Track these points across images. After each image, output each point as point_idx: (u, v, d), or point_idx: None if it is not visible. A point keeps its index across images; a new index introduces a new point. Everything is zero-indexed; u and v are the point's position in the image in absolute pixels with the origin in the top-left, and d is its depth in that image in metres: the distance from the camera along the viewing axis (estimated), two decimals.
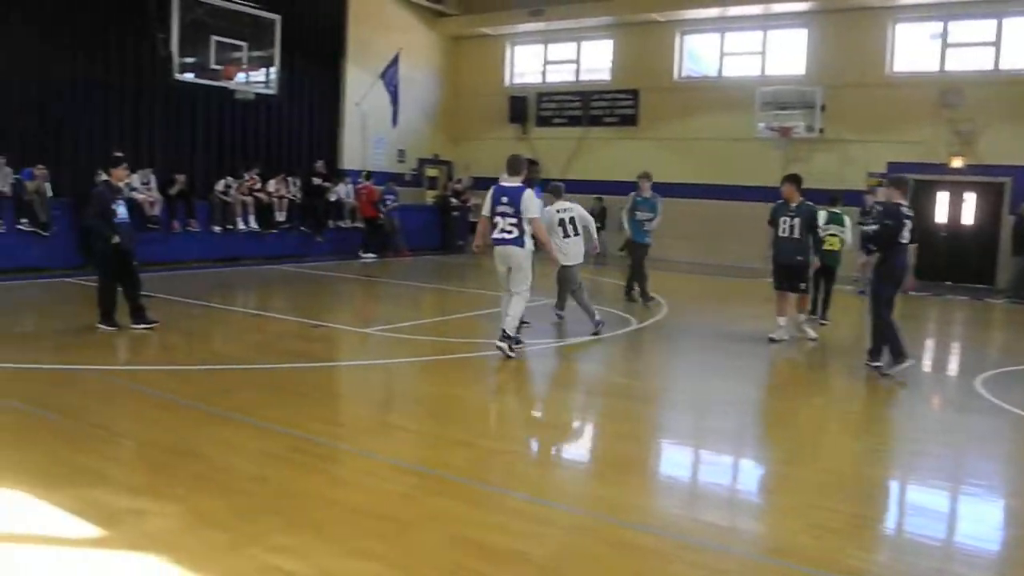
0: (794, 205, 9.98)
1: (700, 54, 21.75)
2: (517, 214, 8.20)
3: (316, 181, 18.79)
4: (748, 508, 4.97)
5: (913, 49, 19.02)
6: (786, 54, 20.27)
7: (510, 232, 8.22)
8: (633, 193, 13.22)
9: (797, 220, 9.87)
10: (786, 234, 9.92)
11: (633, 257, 13.07)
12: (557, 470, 5.62)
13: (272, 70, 17.18)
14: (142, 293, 9.32)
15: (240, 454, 5.27)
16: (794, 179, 10.15)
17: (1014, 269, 16.16)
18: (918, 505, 5.26)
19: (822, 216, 10.79)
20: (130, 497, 4.47)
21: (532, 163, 10.07)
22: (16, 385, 6.90)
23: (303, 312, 11.21)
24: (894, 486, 5.58)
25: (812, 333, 10.20)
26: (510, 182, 8.35)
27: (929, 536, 4.66)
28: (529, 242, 8.29)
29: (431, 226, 21.81)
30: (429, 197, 23.58)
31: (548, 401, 7.56)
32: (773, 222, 10.10)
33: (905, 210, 8.08)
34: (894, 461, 5.99)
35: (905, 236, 8.04)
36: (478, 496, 4.80)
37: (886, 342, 8.15)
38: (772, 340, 9.91)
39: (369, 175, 19.73)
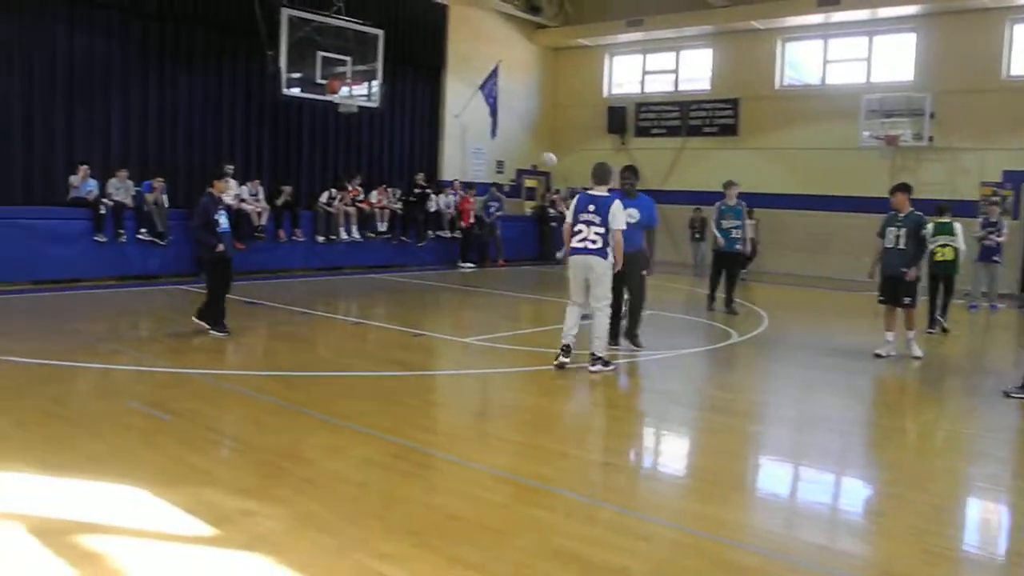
0: (902, 215, 9.69)
1: (802, 62, 21.29)
2: (604, 224, 8.11)
3: (416, 192, 19.11)
4: (856, 530, 4.81)
5: None
6: (893, 60, 19.67)
7: (594, 242, 8.12)
8: (719, 203, 13.08)
9: (904, 230, 9.58)
10: (892, 245, 9.65)
11: (726, 266, 12.96)
12: (656, 484, 5.57)
13: (375, 83, 17.58)
14: (248, 301, 9.68)
15: (343, 459, 5.40)
16: (905, 188, 9.85)
17: None
18: None
19: (929, 227, 10.45)
20: (240, 498, 4.64)
21: (631, 170, 9.87)
22: (135, 386, 7.26)
23: (403, 321, 11.44)
24: (1012, 514, 5.32)
25: (918, 351, 9.79)
26: (597, 191, 8.28)
27: None
28: (611, 254, 8.22)
29: (529, 236, 21.94)
30: (527, 208, 23.74)
31: (646, 414, 7.51)
32: (882, 233, 9.83)
33: None
34: (1012, 488, 5.71)
35: None
36: (575, 508, 4.81)
37: None
38: (878, 355, 9.62)
39: (467, 186, 20.01)
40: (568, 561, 4.01)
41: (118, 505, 4.52)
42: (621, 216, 8.18)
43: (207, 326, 9.44)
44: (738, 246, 12.91)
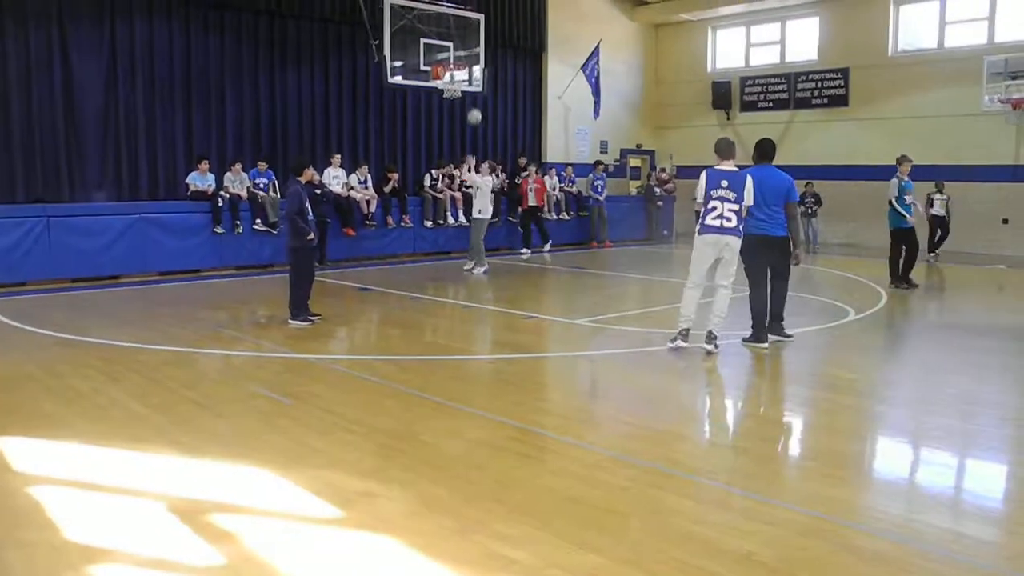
0: None
1: (917, 26, 20.28)
2: (739, 200, 7.90)
3: (523, 175, 19.10)
4: (994, 518, 4.55)
5: None
6: (1019, 16, 18.50)
7: (730, 220, 7.90)
8: (895, 178, 12.57)
9: None
10: None
11: (907, 242, 12.61)
12: (780, 467, 5.40)
13: (477, 68, 17.64)
14: (362, 287, 9.80)
15: (460, 442, 5.44)
16: None
17: None
18: None
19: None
20: (361, 480, 4.72)
21: (770, 143, 8.95)
22: (257, 372, 7.49)
23: (513, 303, 11.46)
24: None
25: None
26: (726, 166, 8.06)
27: None
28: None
29: (635, 216, 21.69)
30: (633, 187, 23.50)
31: (764, 394, 7.31)
32: None
33: None
34: None
35: None
36: (698, 491, 4.71)
37: None
38: None
39: (539, 165, 19.55)
40: (693, 545, 3.93)
41: (247, 485, 4.66)
42: (752, 193, 7.98)
43: (293, 319, 9.40)
44: (913, 222, 12.62)
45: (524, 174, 18.41)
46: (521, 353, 8.39)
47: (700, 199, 8.09)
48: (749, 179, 7.96)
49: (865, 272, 14.39)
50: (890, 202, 12.51)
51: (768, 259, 8.49)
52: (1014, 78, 17.71)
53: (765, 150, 8.65)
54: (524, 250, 17.77)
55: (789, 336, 8.78)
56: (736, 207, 7.90)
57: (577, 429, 5.89)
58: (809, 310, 10.75)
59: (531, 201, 18.02)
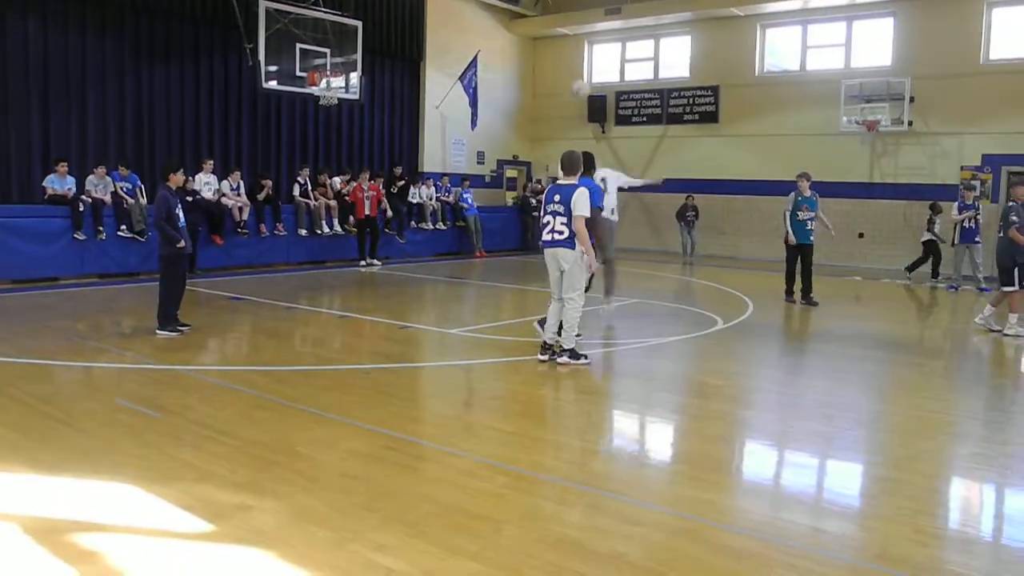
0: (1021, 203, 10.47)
1: (782, 48, 21.37)
2: (568, 213, 7.92)
3: (399, 184, 19.04)
4: (850, 513, 4.84)
5: (1012, 35, 18.27)
6: (872, 45, 19.79)
7: (561, 232, 7.96)
8: (794, 192, 12.97)
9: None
10: (1000, 233, 10.51)
11: (802, 258, 12.92)
12: (650, 471, 5.59)
13: (354, 75, 17.51)
14: (233, 297, 9.56)
15: (335, 452, 5.39)
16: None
17: None
18: (1022, 513, 5.08)
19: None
20: (235, 493, 4.62)
21: (587, 156, 9.40)
22: (122, 384, 7.21)
23: (388, 313, 11.41)
24: (996, 492, 5.39)
25: (996, 325, 10.55)
26: (564, 180, 8.11)
27: None
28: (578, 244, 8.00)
29: (511, 227, 21.94)
30: (508, 198, 23.75)
31: (634, 401, 7.52)
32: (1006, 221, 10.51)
33: None
34: (995, 466, 5.77)
35: None
36: (571, 495, 4.82)
37: None
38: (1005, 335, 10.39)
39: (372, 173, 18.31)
40: (565, 548, 4.03)
41: (112, 503, 4.49)
42: (583, 203, 7.87)
43: (162, 329, 9.12)
44: (812, 238, 12.89)
45: (355, 182, 17.37)
46: (397, 363, 8.37)
47: (540, 214, 8.36)
48: (580, 190, 7.91)
49: (735, 283, 14.99)
50: (785, 215, 12.91)
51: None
52: (868, 102, 18.87)
53: (561, 163, 8.86)
54: (362, 261, 17.06)
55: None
56: (566, 219, 7.91)
57: (453, 437, 5.93)
58: (679, 319, 11.13)
59: (366, 210, 17.15)
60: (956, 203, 15.25)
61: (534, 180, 23.61)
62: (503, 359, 8.61)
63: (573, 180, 8.10)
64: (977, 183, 17.63)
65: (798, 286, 12.88)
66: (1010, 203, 10.71)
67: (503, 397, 7.33)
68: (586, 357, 8.23)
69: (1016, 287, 10.37)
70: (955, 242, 15.25)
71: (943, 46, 18.45)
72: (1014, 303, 10.46)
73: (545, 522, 4.37)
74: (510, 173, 24.37)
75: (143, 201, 14.48)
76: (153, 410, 6.27)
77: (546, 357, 8.21)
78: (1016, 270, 10.36)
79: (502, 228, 21.51)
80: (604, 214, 9.94)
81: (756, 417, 7.01)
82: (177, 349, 8.56)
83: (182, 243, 9.09)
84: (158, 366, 7.76)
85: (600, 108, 23.35)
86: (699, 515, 4.54)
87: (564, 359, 8.15)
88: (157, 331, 9.09)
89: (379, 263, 17.18)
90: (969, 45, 18.34)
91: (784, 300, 12.98)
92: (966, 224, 14.90)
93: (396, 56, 20.48)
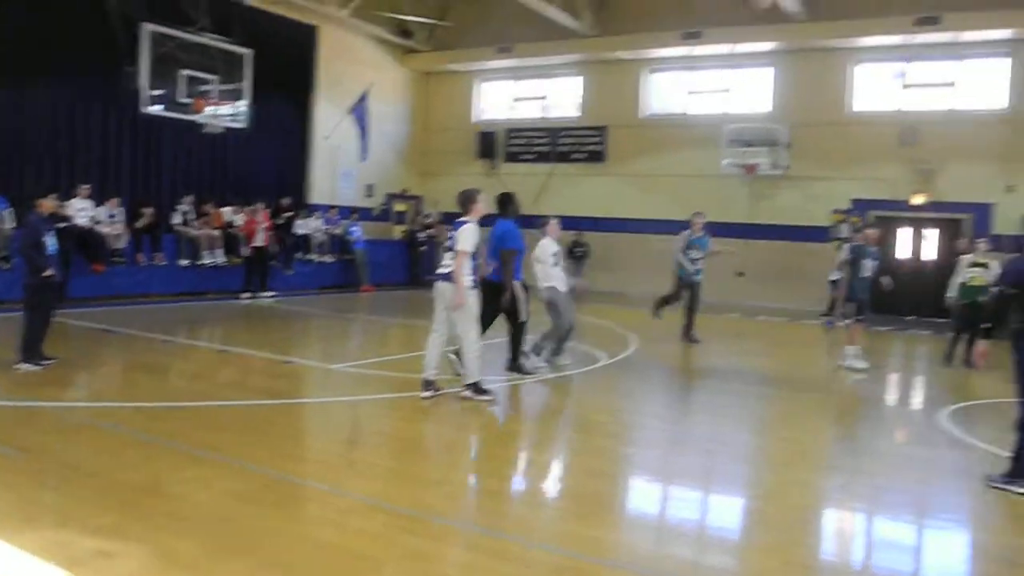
0: (872, 248, 11.35)
1: (667, 92, 22.08)
2: (452, 247, 7.92)
3: (284, 215, 18.69)
4: (727, 548, 4.95)
5: (875, 89, 19.49)
6: (752, 92, 20.66)
7: (448, 267, 7.95)
8: (687, 232, 13.11)
9: (876, 262, 11.31)
10: (868, 273, 11.20)
11: (691, 296, 13.06)
12: (533, 508, 5.58)
13: (241, 104, 17.16)
14: (104, 329, 9.15)
15: (209, 493, 5.19)
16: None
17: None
18: (888, 540, 5.30)
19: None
20: (96, 538, 4.38)
21: (508, 196, 9.67)
22: None
23: (270, 347, 11.10)
24: (864, 522, 5.62)
25: (860, 364, 11.03)
26: (464, 217, 8.08)
27: (900, 571, 4.71)
28: (470, 278, 7.93)
29: (398, 261, 21.79)
30: (397, 232, 23.60)
31: (519, 437, 7.54)
32: (853, 261, 11.24)
33: None
34: (862, 497, 6.02)
35: None
36: (453, 534, 4.77)
37: None
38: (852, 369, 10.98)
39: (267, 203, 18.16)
40: None
41: None
42: (464, 238, 7.83)
43: (24, 361, 8.60)
44: (700, 276, 13.04)
45: (250, 211, 17.01)
46: (277, 399, 8.15)
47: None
48: (465, 226, 7.92)
49: (622, 320, 15.24)
50: (676, 254, 13.05)
51: (495, 304, 8.97)
52: (749, 146, 19.63)
53: (499, 203, 9.43)
54: (246, 294, 16.46)
55: (529, 373, 9.44)
56: (453, 255, 7.94)
57: (333, 476, 5.80)
58: (565, 355, 11.22)
59: (258, 241, 16.63)
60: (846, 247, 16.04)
61: (423, 214, 23.56)
62: (388, 395, 8.50)
63: (467, 217, 8.06)
64: (846, 225, 18.53)
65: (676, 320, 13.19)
66: (856, 244, 11.65)
67: (387, 434, 7.23)
68: (489, 393, 8.12)
69: (854, 320, 11.14)
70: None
71: (815, 96, 19.44)
72: (855, 335, 11.12)
73: (426, 562, 4.30)
74: (399, 207, 24.24)
75: (10, 226, 13.74)
76: (12, 450, 5.91)
77: (429, 394, 8.07)
78: (856, 305, 11.09)
79: (390, 262, 21.33)
80: (551, 283, 9.96)
81: (639, 453, 7.12)
82: (41, 384, 8.11)
83: (49, 271, 8.66)
84: (19, 403, 7.33)
85: (490, 144, 23.57)
86: (582, 552, 4.56)
87: (467, 393, 8.06)
88: (18, 364, 8.59)
89: (269, 295, 16.78)
90: (837, 96, 19.40)
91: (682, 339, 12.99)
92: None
93: (286, 85, 20.14)
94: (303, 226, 19.20)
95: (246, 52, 17.01)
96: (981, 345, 6.43)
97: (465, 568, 4.24)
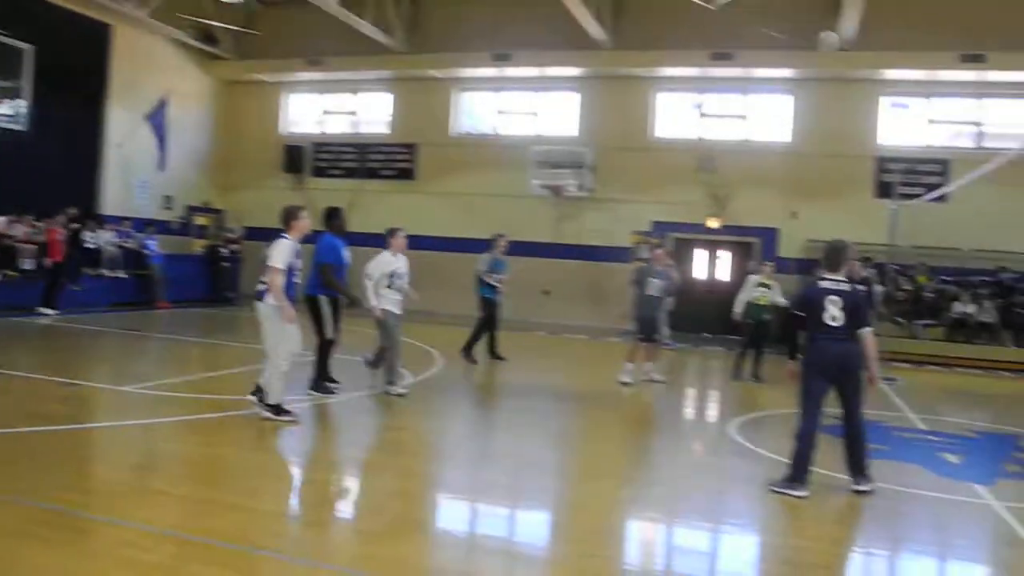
0: (659, 268, 11.63)
1: (477, 112, 22.36)
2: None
3: (72, 227, 17.38)
4: (524, 560, 4.99)
5: (675, 117, 20.57)
6: (560, 116, 21.28)
7: (262, 284, 7.72)
8: (490, 254, 13.04)
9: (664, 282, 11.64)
10: (655, 292, 11.43)
11: (491, 315, 12.99)
12: (333, 530, 5.39)
13: (21, 103, 15.84)
14: None
15: None
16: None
17: None
18: (680, 546, 5.50)
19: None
20: None
21: (333, 211, 9.68)
22: None
23: (52, 369, 10.21)
24: (657, 529, 5.81)
25: (660, 377, 11.53)
26: (286, 234, 7.87)
27: (693, 574, 4.89)
28: (271, 297, 7.63)
29: (199, 277, 20.76)
30: (198, 246, 22.48)
31: (323, 459, 7.29)
32: (640, 281, 11.45)
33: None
34: (656, 505, 6.23)
35: None
36: (249, 562, 4.51)
37: None
38: (625, 384, 11.26)
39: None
40: None
41: None
42: (275, 253, 7.63)
43: None
44: (500, 297, 13.00)
45: (50, 222, 16.10)
46: (56, 425, 7.47)
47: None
48: (277, 243, 7.72)
49: (429, 339, 15.15)
50: (478, 275, 12.97)
51: (311, 316, 9.11)
52: (556, 167, 20.14)
53: (324, 217, 9.49)
54: (47, 310, 15.48)
55: (332, 392, 9.30)
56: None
57: (118, 506, 5.36)
58: (371, 374, 11.03)
59: (57, 254, 15.69)
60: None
61: (226, 229, 22.60)
62: (183, 418, 8.01)
63: (288, 234, 7.81)
64: (646, 247, 19.38)
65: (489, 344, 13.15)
66: (641, 265, 12.06)
67: (182, 459, 6.79)
68: (290, 414, 7.82)
69: (635, 339, 11.56)
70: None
71: (619, 121, 20.29)
72: (634, 353, 11.55)
73: None
74: (200, 220, 23.12)
75: None
76: None
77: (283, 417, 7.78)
78: (639, 323, 11.46)
79: (189, 278, 20.27)
80: (377, 303, 9.44)
81: (441, 471, 7.08)
82: None
83: None
84: None
85: (297, 158, 22.96)
86: (380, 572, 4.43)
87: (267, 414, 7.75)
88: None
89: (50, 312, 15.49)
90: (640, 122, 20.35)
91: (460, 354, 12.78)
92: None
93: (74, 87, 18.77)
94: (93, 239, 17.91)
95: (26, 47, 15.73)
96: (790, 364, 6.76)
97: None
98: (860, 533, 5.94)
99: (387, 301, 9.45)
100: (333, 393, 9.29)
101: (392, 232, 9.75)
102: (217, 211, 23.43)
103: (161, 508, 5.38)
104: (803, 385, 6.48)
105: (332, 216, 9.60)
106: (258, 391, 7.89)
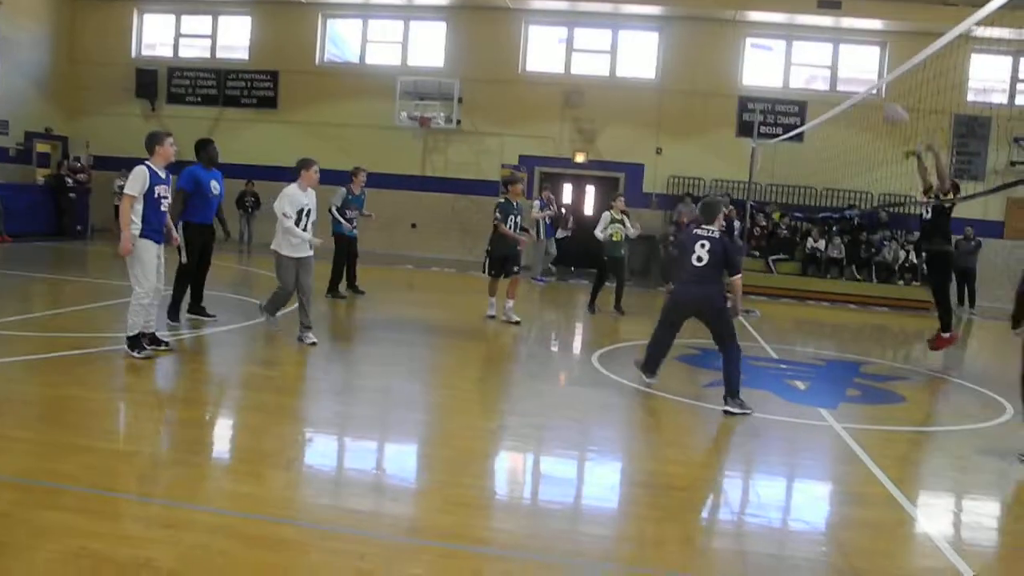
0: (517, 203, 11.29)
1: (343, 38, 21.66)
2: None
3: None
4: (390, 492, 4.97)
5: (543, 51, 20.50)
6: (427, 46, 20.84)
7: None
8: (344, 189, 12.60)
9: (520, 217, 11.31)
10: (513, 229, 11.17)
11: (349, 251, 12.66)
12: (191, 470, 5.18)
13: None
14: None
15: None
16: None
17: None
18: (544, 474, 5.61)
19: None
20: None
21: (201, 142, 9.63)
22: None
23: None
24: (521, 459, 5.91)
25: (516, 317, 11.27)
26: (149, 161, 7.62)
27: (555, 501, 4.99)
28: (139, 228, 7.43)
29: (43, 209, 19.49)
30: (40, 176, 21.07)
31: (179, 397, 7.03)
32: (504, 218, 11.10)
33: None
34: (521, 435, 6.33)
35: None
36: (99, 505, 4.30)
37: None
38: (491, 317, 11.35)
39: None
40: (84, 562, 3.61)
41: None
42: (129, 180, 7.44)
43: None
44: (355, 232, 12.66)
45: None
46: None
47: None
48: (135, 170, 7.48)
49: None
50: (330, 210, 12.42)
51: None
52: (422, 99, 19.82)
53: (195, 147, 9.57)
54: None
55: (211, 316, 9.55)
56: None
57: None
58: (232, 308, 10.69)
59: None
60: (538, 202, 17.12)
61: (72, 157, 21.24)
62: (27, 357, 7.54)
63: (150, 161, 7.59)
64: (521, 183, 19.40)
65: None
66: (501, 201, 11.35)
67: (22, 400, 6.38)
68: (141, 351, 7.52)
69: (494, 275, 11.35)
70: (539, 237, 16.68)
71: (489, 54, 20.08)
72: (492, 287, 11.46)
73: (63, 538, 3.84)
74: (42, 148, 21.63)
75: None
76: None
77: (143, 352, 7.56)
78: (490, 259, 11.33)
79: (31, 210, 19.02)
80: (275, 245, 8.93)
81: (306, 406, 6.95)
82: None
83: None
84: None
85: (151, 83, 21.72)
86: (238, 510, 4.34)
87: (125, 348, 7.52)
88: None
89: None
90: (510, 56, 20.18)
91: (326, 296, 12.44)
92: (546, 220, 16.86)
93: None
94: None
95: None
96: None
97: (105, 538, 3.84)
98: (716, 456, 6.21)
99: (287, 246, 8.82)
100: (179, 322, 9.22)
101: (306, 163, 9.03)
102: (62, 138, 21.95)
103: (2, 453, 5.05)
104: (664, 311, 7.71)
105: (202, 147, 9.52)
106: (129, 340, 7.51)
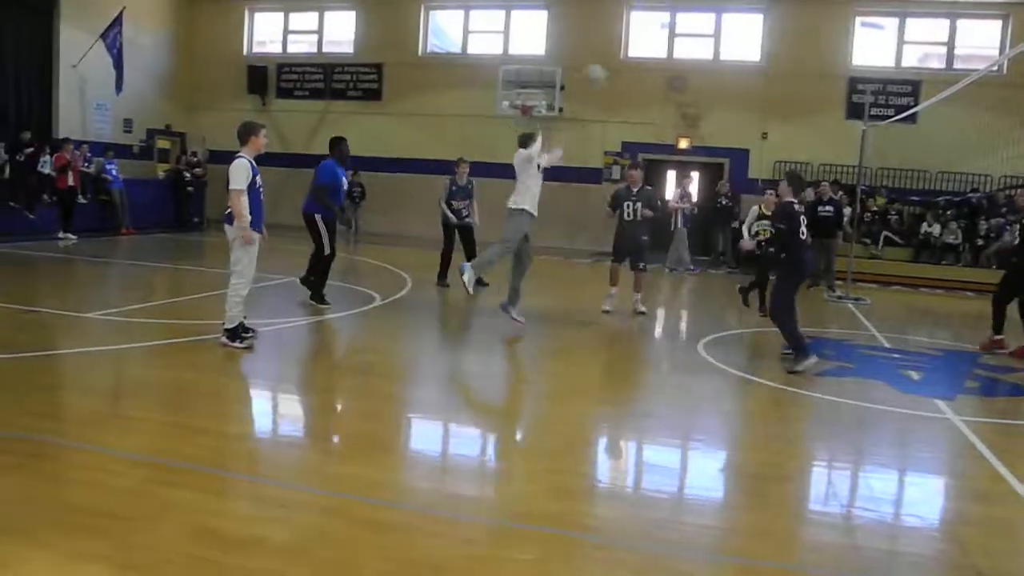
0: (636, 190, 10.82)
1: (445, 30, 21.89)
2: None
3: (26, 151, 16.89)
4: (492, 477, 5.03)
5: (645, 36, 20.25)
6: (528, 34, 20.86)
7: (227, 208, 7.62)
8: (450, 178, 12.68)
9: (639, 204, 10.69)
10: (630, 218, 10.72)
11: (461, 238, 12.73)
12: (302, 452, 5.38)
13: None
14: None
15: None
16: (638, 165, 11.32)
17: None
18: (648, 463, 5.56)
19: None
20: None
21: (335, 140, 10.31)
22: None
23: (11, 297, 10.00)
24: (626, 447, 5.88)
25: (643, 308, 11.00)
26: (241, 152, 7.67)
27: (659, 491, 4.95)
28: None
29: (163, 202, 20.37)
30: (160, 171, 22.04)
31: (288, 381, 7.26)
32: (615, 205, 10.83)
33: (799, 208, 8.12)
34: (626, 424, 6.29)
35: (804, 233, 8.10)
36: (217, 484, 4.50)
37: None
38: (606, 312, 10.87)
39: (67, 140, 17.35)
40: (207, 539, 3.76)
41: None
42: (233, 175, 7.48)
43: None
44: (469, 220, 12.67)
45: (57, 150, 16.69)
46: (17, 352, 7.32)
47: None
48: (234, 164, 7.53)
49: (398, 261, 15.08)
50: (439, 202, 12.62)
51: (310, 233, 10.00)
52: (524, 87, 19.84)
53: (330, 144, 10.28)
54: (68, 235, 16.40)
55: (328, 304, 9.96)
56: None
57: (83, 431, 5.32)
58: (340, 297, 10.96)
59: (70, 180, 16.67)
60: (676, 191, 17.14)
61: (189, 152, 22.13)
62: (149, 343, 7.92)
63: (243, 151, 7.62)
64: (617, 168, 19.29)
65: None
66: (618, 189, 11.17)
67: (152, 384, 6.70)
68: (242, 341, 7.72)
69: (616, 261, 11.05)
70: (677, 226, 16.55)
71: (589, 40, 19.92)
72: (614, 275, 11.06)
73: (183, 513, 4.02)
74: (162, 144, 22.62)
75: None
76: None
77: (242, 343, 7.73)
78: (616, 249, 10.99)
79: (153, 203, 19.88)
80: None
81: (410, 392, 7.07)
82: None
83: None
84: None
85: (261, 79, 22.43)
86: (348, 492, 4.45)
87: (223, 339, 7.67)
88: None
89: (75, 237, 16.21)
90: (611, 42, 19.99)
91: (436, 284, 12.57)
92: (685, 211, 16.72)
93: (20, 4, 18.04)
94: (46, 163, 17.41)
95: None
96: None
97: (225, 517, 4.01)
98: (825, 447, 6.04)
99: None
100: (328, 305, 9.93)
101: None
102: (179, 134, 22.92)
103: (129, 433, 5.33)
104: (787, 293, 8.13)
105: (336, 144, 10.23)
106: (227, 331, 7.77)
